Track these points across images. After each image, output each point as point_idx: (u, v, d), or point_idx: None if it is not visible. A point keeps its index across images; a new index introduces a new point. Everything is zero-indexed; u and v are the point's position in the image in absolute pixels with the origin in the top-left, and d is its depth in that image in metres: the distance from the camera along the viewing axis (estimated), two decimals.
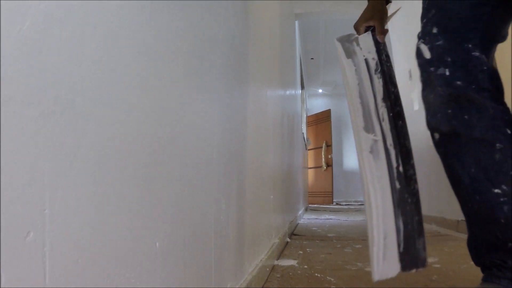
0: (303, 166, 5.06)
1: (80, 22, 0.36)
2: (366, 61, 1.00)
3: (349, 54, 1.02)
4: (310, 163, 7.72)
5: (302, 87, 5.98)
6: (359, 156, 0.94)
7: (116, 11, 0.43)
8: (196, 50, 0.69)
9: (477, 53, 0.83)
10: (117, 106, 0.42)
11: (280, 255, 1.80)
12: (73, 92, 0.35)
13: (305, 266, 1.53)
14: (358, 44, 1.03)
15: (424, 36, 0.89)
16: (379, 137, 0.92)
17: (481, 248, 0.84)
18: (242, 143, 1.08)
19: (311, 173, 7.73)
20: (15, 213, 0.28)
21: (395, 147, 0.91)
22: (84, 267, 0.36)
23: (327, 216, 4.46)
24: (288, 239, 2.28)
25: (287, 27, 3.03)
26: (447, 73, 0.83)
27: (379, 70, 0.98)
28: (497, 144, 0.79)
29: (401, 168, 0.89)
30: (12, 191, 0.28)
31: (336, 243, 2.23)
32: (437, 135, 0.90)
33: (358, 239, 2.31)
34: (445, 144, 0.89)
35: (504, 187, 0.78)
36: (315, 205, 7.07)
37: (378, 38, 1.02)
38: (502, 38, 0.90)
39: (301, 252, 1.91)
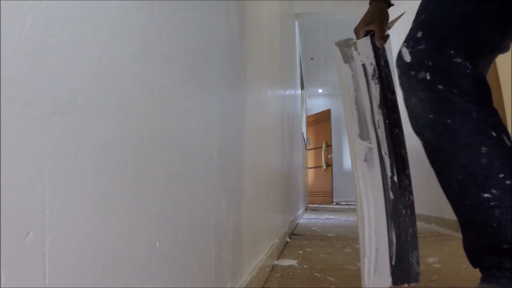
0: (303, 166, 5.06)
1: (80, 22, 0.36)
2: (364, 66, 0.97)
3: (347, 59, 1.00)
4: (310, 163, 7.73)
5: (302, 87, 5.98)
6: (353, 164, 0.92)
7: (117, 11, 0.43)
8: (196, 50, 0.69)
9: (458, 60, 0.81)
10: (118, 106, 0.42)
11: (280, 255, 1.80)
12: (74, 92, 0.35)
13: (305, 266, 1.53)
14: (356, 49, 1.01)
15: (408, 40, 0.88)
16: (374, 145, 0.89)
17: (476, 251, 0.83)
18: (242, 143, 1.08)
19: (311, 173, 7.73)
20: (15, 213, 0.28)
21: (390, 156, 0.88)
22: (84, 267, 0.36)
23: (327, 216, 4.46)
24: (288, 239, 2.29)
25: (287, 27, 3.03)
26: (428, 77, 0.82)
27: (376, 75, 0.95)
28: (483, 148, 0.78)
29: (395, 178, 0.87)
30: (12, 191, 0.28)
31: (336, 243, 2.24)
32: (422, 140, 0.88)
33: (358, 239, 2.31)
34: (429, 149, 0.87)
35: (493, 191, 0.76)
36: (315, 205, 7.07)
37: (377, 43, 1.00)
38: (503, 49, 0.88)
39: (301, 252, 1.91)
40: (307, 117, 7.85)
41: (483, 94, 0.82)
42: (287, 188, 2.52)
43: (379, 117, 0.91)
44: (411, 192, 0.88)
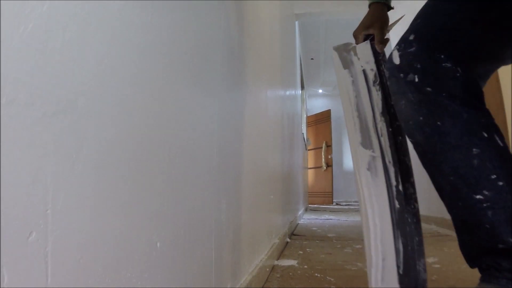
0: (303, 166, 5.06)
1: (82, 23, 0.36)
2: (364, 72, 0.95)
3: (346, 64, 0.97)
4: (310, 163, 7.73)
5: (302, 87, 5.98)
6: (356, 173, 0.90)
7: (118, 12, 0.43)
8: (196, 51, 0.70)
9: (448, 64, 0.80)
10: (119, 107, 0.43)
11: (280, 255, 1.80)
12: (76, 93, 0.35)
13: (305, 266, 1.54)
14: (355, 54, 0.98)
15: (400, 42, 0.86)
16: (377, 153, 0.87)
17: (472, 252, 0.83)
18: (242, 143, 1.08)
19: (311, 173, 7.74)
20: (17, 213, 0.28)
21: (394, 165, 0.87)
22: (86, 267, 0.36)
23: (327, 216, 4.46)
24: (288, 239, 2.29)
25: (287, 27, 3.03)
26: (417, 79, 0.81)
27: (378, 82, 0.93)
28: (474, 149, 0.76)
29: (400, 187, 0.85)
30: (15, 192, 0.28)
31: (336, 243, 2.24)
32: (412, 143, 0.86)
33: (358, 239, 2.32)
34: (420, 151, 0.85)
35: (486, 192, 0.75)
36: (315, 205, 7.07)
37: (377, 47, 0.98)
38: (505, 60, 0.87)
39: (301, 252, 1.91)
40: (307, 117, 7.85)
41: (474, 96, 0.81)
42: (287, 188, 2.52)
43: (381, 125, 0.89)
44: (416, 200, 0.87)
